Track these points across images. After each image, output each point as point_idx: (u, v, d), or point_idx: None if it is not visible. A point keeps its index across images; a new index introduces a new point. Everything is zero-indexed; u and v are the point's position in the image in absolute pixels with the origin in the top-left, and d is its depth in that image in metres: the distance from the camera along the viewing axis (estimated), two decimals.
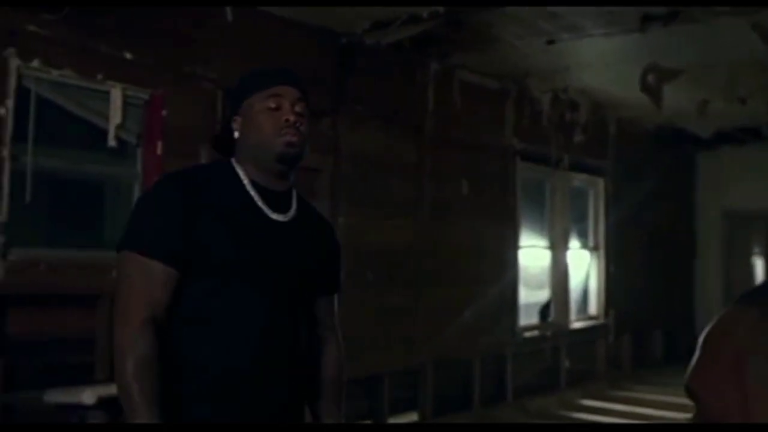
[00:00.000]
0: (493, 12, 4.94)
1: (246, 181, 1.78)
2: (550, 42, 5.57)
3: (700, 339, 0.76)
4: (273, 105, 1.77)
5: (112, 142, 4.03)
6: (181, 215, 1.68)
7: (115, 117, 4.02)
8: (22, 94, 3.72)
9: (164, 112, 4.17)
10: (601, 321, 8.01)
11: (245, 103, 1.81)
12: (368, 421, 5.22)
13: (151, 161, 4.15)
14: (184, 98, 4.29)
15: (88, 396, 3.45)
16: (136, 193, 4.16)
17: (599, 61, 6.13)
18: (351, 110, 5.30)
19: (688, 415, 0.78)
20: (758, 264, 9.76)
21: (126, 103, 4.07)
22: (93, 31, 3.95)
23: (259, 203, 1.77)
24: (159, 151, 4.15)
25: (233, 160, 1.83)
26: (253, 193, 1.77)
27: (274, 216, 1.78)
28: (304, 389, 1.83)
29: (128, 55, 4.09)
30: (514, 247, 6.80)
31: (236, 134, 1.82)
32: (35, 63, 3.74)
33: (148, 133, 4.18)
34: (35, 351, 3.66)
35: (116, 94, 4.03)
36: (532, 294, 7.20)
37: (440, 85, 6.01)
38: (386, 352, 5.47)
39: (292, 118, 1.77)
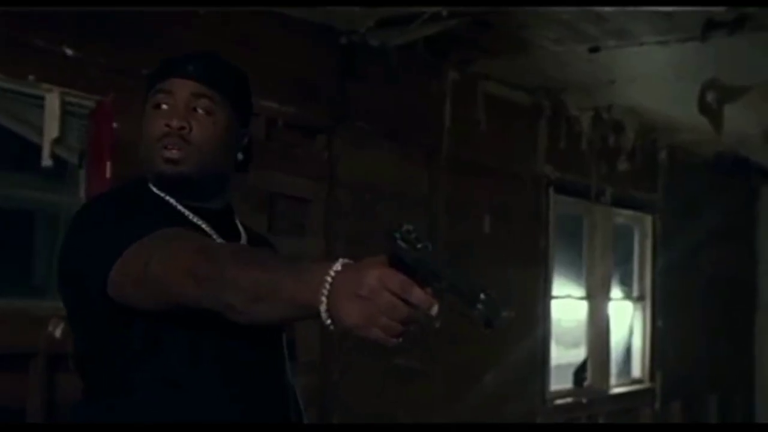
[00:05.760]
0: (526, 11, 4.72)
1: (172, 201, 1.58)
2: (594, 50, 5.38)
3: None
4: (157, 104, 1.58)
5: (47, 161, 3.74)
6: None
7: (52, 129, 3.72)
8: None
9: (115, 125, 3.87)
10: (647, 385, 7.89)
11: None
12: None
13: (98, 186, 3.80)
14: (142, 108, 3.95)
15: None
16: None
17: (651, 75, 5.94)
18: (351, 127, 5.05)
19: None
20: None
21: (66, 112, 3.77)
22: (25, 19, 3.62)
23: (204, 227, 1.57)
24: (108, 173, 3.84)
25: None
26: (188, 213, 1.57)
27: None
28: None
29: (70, 52, 3.76)
30: (546, 296, 6.61)
31: None
32: None
33: (93, 151, 3.87)
34: None
35: (53, 101, 3.71)
36: (565, 353, 7.12)
37: (460, 99, 5.77)
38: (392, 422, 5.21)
39: (174, 122, 1.53)
